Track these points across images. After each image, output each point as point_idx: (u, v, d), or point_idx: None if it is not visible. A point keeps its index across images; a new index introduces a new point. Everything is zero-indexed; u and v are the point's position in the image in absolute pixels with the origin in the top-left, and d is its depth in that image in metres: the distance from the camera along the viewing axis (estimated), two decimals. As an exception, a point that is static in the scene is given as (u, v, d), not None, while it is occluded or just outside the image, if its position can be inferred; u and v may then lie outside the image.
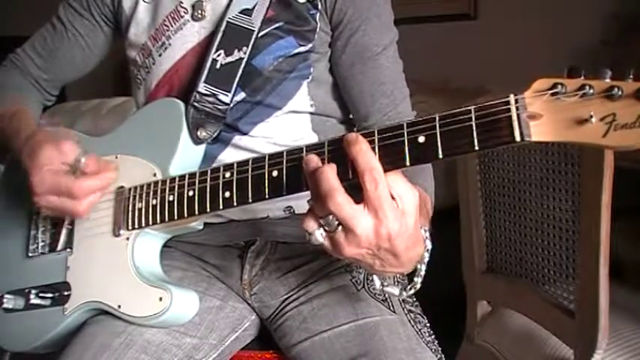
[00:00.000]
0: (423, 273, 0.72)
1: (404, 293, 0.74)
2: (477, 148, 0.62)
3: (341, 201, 0.62)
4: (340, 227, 0.64)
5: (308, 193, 0.96)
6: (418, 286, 0.73)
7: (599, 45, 2.55)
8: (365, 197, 0.63)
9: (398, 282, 0.74)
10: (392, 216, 0.63)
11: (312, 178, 0.65)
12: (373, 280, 0.74)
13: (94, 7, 1.06)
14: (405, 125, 0.66)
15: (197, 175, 0.83)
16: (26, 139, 0.91)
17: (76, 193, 0.85)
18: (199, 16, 0.97)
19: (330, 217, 0.63)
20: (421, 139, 0.65)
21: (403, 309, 0.90)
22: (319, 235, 0.66)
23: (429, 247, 0.71)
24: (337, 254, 0.66)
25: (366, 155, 0.63)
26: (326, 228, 0.65)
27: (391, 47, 0.99)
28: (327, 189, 0.63)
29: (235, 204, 0.78)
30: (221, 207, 0.80)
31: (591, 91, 0.58)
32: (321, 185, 0.63)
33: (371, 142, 0.67)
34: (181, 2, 0.98)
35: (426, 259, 0.71)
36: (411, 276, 0.74)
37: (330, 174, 0.63)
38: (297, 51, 0.95)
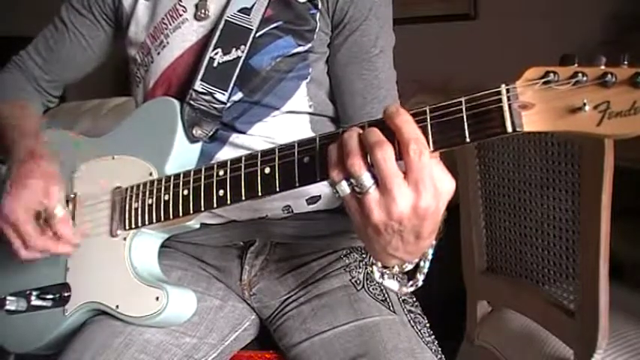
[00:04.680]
0: (426, 270, 0.69)
1: (403, 289, 0.71)
2: (468, 140, 0.61)
3: (391, 155, 0.59)
4: (374, 188, 0.60)
5: (305, 191, 0.97)
6: (420, 283, 0.70)
7: (599, 45, 2.55)
8: (407, 168, 0.59)
9: (396, 277, 0.72)
10: (432, 192, 0.59)
11: (366, 133, 0.61)
12: (373, 271, 0.70)
13: (95, 6, 1.06)
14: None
15: (192, 173, 0.83)
16: (27, 155, 0.91)
17: (30, 244, 0.86)
18: (202, 15, 0.96)
19: (364, 175, 0.60)
20: None
21: (403, 309, 0.90)
22: (346, 186, 0.62)
23: (434, 243, 0.69)
24: (361, 218, 0.62)
25: (411, 125, 0.60)
26: (356, 188, 0.61)
27: (388, 52, 0.99)
28: (377, 139, 0.59)
29: (229, 202, 0.78)
30: (215, 205, 0.80)
31: (584, 78, 0.56)
32: (370, 137, 0.60)
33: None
34: (180, 1, 0.98)
35: (430, 257, 0.69)
36: (408, 273, 0.72)
37: (379, 131, 0.61)
38: (295, 51, 0.95)
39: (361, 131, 0.63)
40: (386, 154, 0.59)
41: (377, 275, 0.70)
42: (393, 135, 0.61)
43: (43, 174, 0.88)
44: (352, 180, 0.61)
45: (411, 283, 0.71)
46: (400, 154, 0.60)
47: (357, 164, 0.60)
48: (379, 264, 0.70)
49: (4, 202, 0.87)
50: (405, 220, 0.60)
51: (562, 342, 1.18)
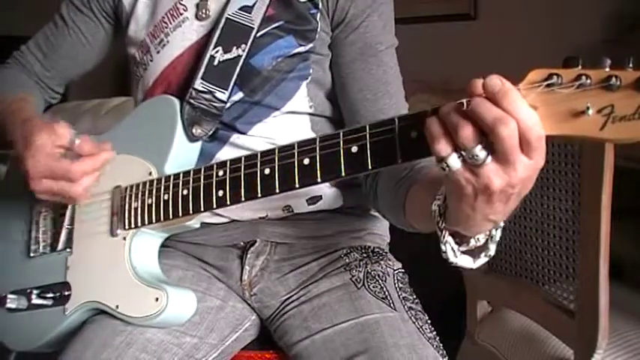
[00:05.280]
0: (497, 239, 0.67)
1: (477, 262, 0.68)
2: None
3: (515, 130, 0.55)
4: (490, 158, 0.57)
5: (306, 191, 0.97)
6: (492, 252, 0.68)
7: (599, 45, 2.54)
8: (525, 140, 0.56)
9: (469, 252, 0.69)
10: (542, 154, 0.57)
11: (477, 106, 0.57)
12: (446, 250, 0.67)
13: (95, 4, 1.06)
14: (396, 120, 0.65)
15: (191, 173, 0.83)
16: (22, 122, 0.91)
17: (72, 175, 0.85)
18: (203, 15, 0.96)
19: (478, 147, 0.57)
20: (413, 134, 0.64)
21: (403, 306, 0.90)
22: (457, 159, 0.58)
23: None
24: (473, 189, 0.59)
25: (522, 105, 0.56)
26: (469, 160, 0.58)
27: (393, 50, 0.98)
28: (498, 115, 0.55)
29: (229, 203, 0.78)
30: (215, 206, 0.80)
31: (588, 81, 0.55)
32: (487, 112, 0.56)
33: (362, 139, 0.66)
34: (180, 0, 0.97)
35: (502, 224, 0.66)
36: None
37: (493, 105, 0.57)
38: (296, 51, 0.95)
39: (460, 106, 0.59)
40: (510, 130, 0.55)
41: (451, 254, 0.67)
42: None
43: (42, 124, 0.88)
44: (464, 152, 0.58)
45: (483, 254, 0.68)
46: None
47: (471, 137, 0.57)
48: (454, 245, 0.67)
49: (24, 165, 0.86)
50: (519, 184, 0.58)
51: (562, 342, 1.18)
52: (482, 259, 0.68)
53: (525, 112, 0.56)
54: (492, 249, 0.67)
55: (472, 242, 0.67)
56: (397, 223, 0.91)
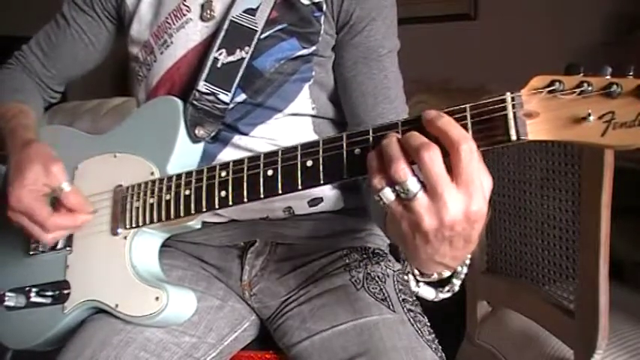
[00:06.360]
0: (463, 275, 0.66)
1: (439, 295, 0.68)
2: None
3: (438, 156, 0.56)
4: (421, 192, 0.57)
5: (307, 193, 0.97)
6: (457, 288, 0.67)
7: (599, 45, 2.55)
8: (457, 170, 0.56)
9: (433, 284, 0.69)
10: (482, 193, 0.56)
11: (408, 136, 0.59)
12: (408, 280, 0.67)
13: (97, 3, 1.06)
14: (399, 124, 0.65)
15: (194, 174, 0.83)
16: (21, 145, 0.90)
17: (47, 226, 0.86)
18: (208, 16, 0.96)
19: (409, 180, 0.57)
20: None
21: (403, 308, 0.90)
22: (390, 192, 0.59)
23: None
24: (409, 226, 0.59)
25: (457, 126, 0.57)
26: (402, 195, 0.58)
27: (394, 54, 0.99)
28: (422, 141, 0.56)
29: (231, 203, 0.78)
30: (217, 206, 0.80)
31: (590, 88, 0.56)
32: (413, 140, 0.57)
33: (365, 142, 0.66)
34: (184, 0, 0.97)
35: (468, 261, 0.65)
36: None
37: (420, 135, 0.58)
38: (299, 53, 0.95)
39: (399, 136, 0.60)
40: (433, 154, 0.56)
41: (413, 284, 0.67)
42: (434, 139, 0.58)
43: (40, 157, 0.88)
44: (397, 187, 0.58)
45: (447, 288, 0.68)
46: (448, 156, 0.57)
47: (402, 170, 0.57)
48: (416, 272, 0.66)
49: (9, 192, 0.86)
50: (456, 225, 0.57)
51: (562, 342, 1.18)
52: (445, 294, 0.68)
53: (453, 130, 0.57)
54: (457, 284, 0.67)
55: (435, 276, 0.66)
56: (377, 222, 0.91)
